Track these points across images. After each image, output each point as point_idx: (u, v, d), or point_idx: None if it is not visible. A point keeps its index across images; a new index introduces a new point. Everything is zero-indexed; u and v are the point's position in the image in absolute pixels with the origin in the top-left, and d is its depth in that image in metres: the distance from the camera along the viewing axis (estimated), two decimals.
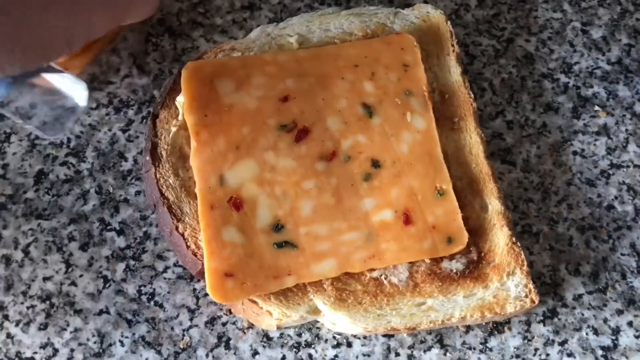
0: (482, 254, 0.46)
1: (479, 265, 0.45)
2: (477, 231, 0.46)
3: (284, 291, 0.44)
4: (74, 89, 0.45)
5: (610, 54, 0.55)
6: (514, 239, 0.46)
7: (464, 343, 0.46)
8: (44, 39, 0.39)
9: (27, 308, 0.46)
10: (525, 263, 0.45)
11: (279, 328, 0.45)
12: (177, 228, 0.45)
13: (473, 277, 0.45)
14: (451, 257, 0.45)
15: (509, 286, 0.45)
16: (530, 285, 0.45)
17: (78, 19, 0.41)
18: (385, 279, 0.45)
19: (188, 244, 0.45)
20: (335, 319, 0.44)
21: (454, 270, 0.45)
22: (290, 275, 0.43)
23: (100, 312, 0.46)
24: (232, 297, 0.43)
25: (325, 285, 0.44)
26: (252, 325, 0.46)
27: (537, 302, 0.44)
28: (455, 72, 0.51)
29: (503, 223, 0.46)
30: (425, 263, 0.45)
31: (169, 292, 0.47)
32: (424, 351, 0.46)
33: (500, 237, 0.46)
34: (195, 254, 0.44)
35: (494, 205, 0.47)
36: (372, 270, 0.45)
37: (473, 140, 0.49)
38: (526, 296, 0.44)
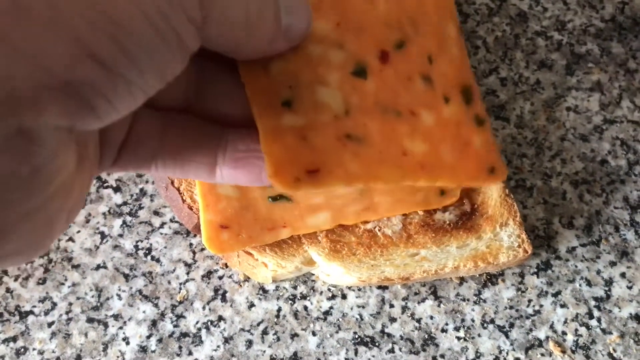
0: (475, 206, 0.46)
1: (472, 217, 0.46)
2: None
3: (279, 243, 0.44)
4: None
5: (603, 11, 0.55)
6: (507, 191, 0.46)
7: (457, 294, 0.46)
8: None
9: (26, 263, 0.47)
10: (518, 214, 0.45)
11: (274, 281, 0.46)
12: (172, 182, 0.46)
13: (466, 228, 0.45)
14: (444, 209, 0.46)
15: (502, 237, 0.45)
16: (523, 236, 0.45)
17: None
18: (379, 230, 0.45)
19: (184, 198, 0.45)
20: (329, 270, 0.44)
21: (447, 222, 0.45)
22: (285, 227, 0.44)
23: (98, 267, 0.47)
24: (228, 248, 0.43)
25: (320, 237, 0.45)
26: (248, 278, 0.46)
27: (530, 252, 0.44)
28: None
29: None
30: (419, 215, 0.45)
31: (165, 247, 0.47)
32: (418, 302, 0.46)
33: (493, 190, 0.46)
34: (191, 208, 0.45)
35: None
36: (366, 222, 0.45)
37: None
38: (519, 246, 0.45)
